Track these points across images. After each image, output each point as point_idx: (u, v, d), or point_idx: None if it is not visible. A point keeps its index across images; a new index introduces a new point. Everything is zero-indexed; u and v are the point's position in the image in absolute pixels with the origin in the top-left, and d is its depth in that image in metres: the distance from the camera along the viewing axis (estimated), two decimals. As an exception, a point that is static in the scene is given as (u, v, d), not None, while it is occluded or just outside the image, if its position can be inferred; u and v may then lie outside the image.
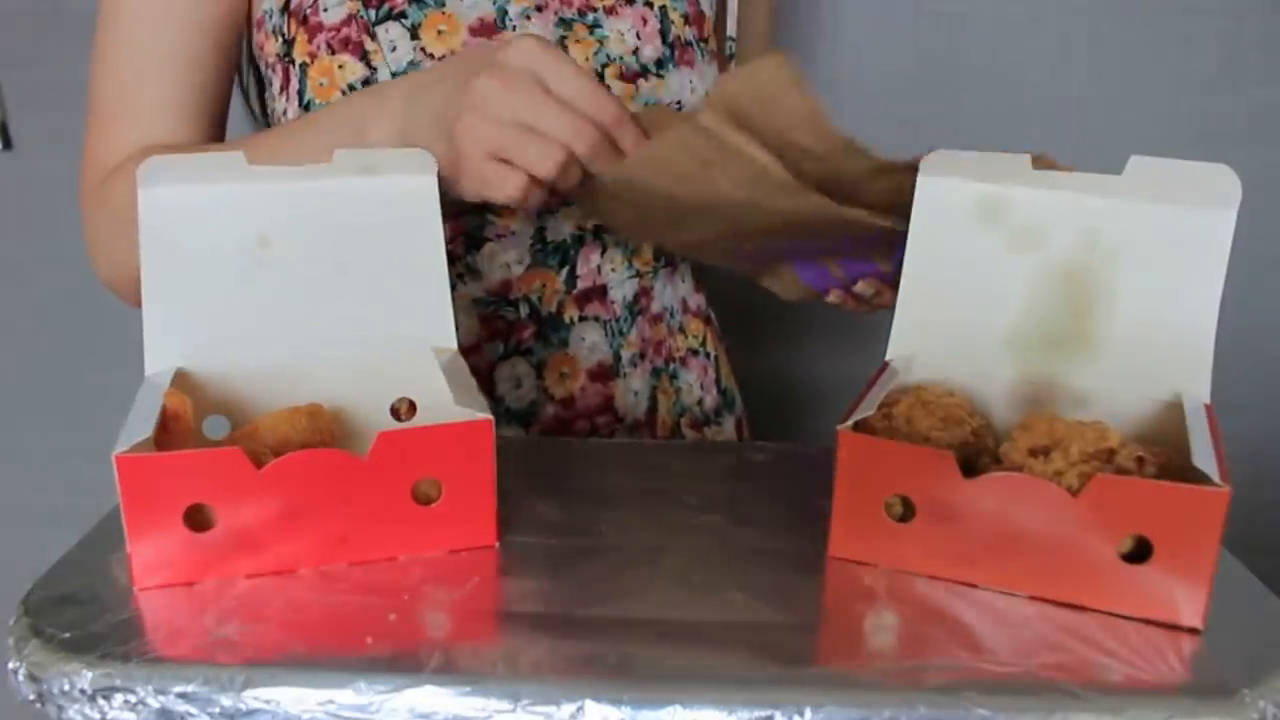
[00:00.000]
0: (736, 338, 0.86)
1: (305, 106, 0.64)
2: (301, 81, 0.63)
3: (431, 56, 0.62)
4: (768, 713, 0.36)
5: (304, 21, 0.63)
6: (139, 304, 0.50)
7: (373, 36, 0.62)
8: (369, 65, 0.62)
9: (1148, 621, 0.41)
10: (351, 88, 0.62)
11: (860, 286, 0.64)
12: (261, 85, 0.70)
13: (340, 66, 0.62)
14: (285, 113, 0.65)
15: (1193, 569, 0.40)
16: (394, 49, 0.62)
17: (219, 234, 0.49)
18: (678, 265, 0.75)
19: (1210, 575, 0.40)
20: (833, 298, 0.67)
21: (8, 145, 1.07)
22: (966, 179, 0.51)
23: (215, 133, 0.68)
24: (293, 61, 0.64)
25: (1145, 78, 1.02)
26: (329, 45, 0.62)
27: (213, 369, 0.49)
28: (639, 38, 0.67)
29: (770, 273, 0.68)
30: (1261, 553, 0.54)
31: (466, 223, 0.65)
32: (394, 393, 0.52)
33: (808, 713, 0.36)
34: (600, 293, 0.69)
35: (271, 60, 0.66)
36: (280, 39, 0.64)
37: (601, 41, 0.66)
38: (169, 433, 0.44)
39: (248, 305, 0.50)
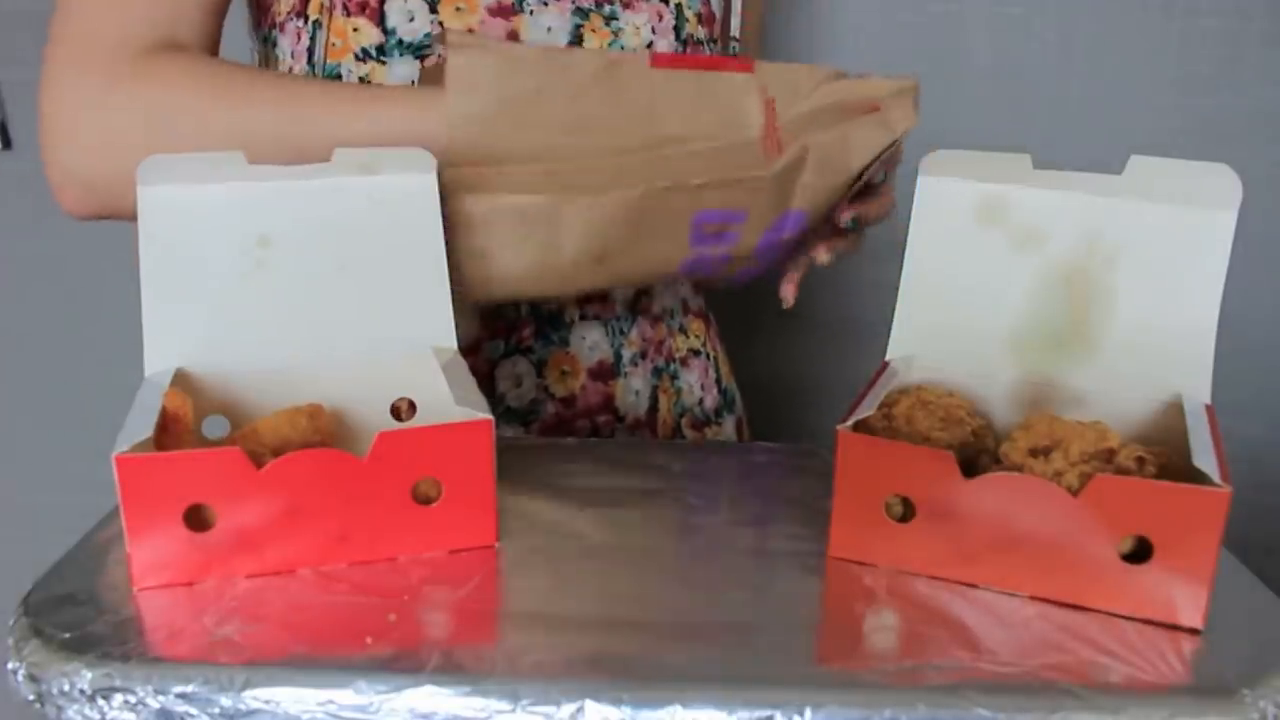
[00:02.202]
0: (736, 338, 0.86)
1: (313, 65, 0.64)
2: (313, 39, 0.63)
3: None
4: (768, 713, 0.36)
5: None
6: (109, 206, 0.49)
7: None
8: (385, 31, 0.62)
9: (1148, 621, 0.41)
10: (365, 51, 0.62)
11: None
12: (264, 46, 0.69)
13: (355, 30, 0.62)
14: (291, 71, 0.65)
15: (1193, 569, 0.40)
16: (411, 19, 0.62)
17: (219, 234, 0.49)
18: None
19: (1211, 575, 0.40)
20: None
21: (8, 145, 1.07)
22: (966, 179, 0.51)
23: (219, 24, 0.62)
24: (306, 19, 0.64)
25: (1145, 78, 1.02)
26: (345, 7, 0.62)
27: (213, 369, 0.49)
28: (653, 32, 0.67)
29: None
30: (1261, 553, 0.54)
31: None
32: (394, 393, 0.52)
33: (808, 713, 0.36)
34: (600, 292, 0.69)
35: (282, 19, 0.65)
36: None
37: (616, 34, 0.66)
38: (169, 433, 0.44)
39: (248, 305, 0.50)
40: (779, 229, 0.58)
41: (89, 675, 0.37)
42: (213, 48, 0.61)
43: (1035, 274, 0.50)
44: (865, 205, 0.62)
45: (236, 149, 0.49)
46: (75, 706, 0.37)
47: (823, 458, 0.47)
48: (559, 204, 0.53)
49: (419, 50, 0.62)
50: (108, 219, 0.58)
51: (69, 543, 0.46)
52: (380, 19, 0.62)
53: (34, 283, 1.13)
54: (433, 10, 0.62)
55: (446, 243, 0.52)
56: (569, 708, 0.36)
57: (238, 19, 0.67)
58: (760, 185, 0.55)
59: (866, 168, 0.57)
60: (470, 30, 0.62)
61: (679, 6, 0.69)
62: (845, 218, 0.61)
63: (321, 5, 0.63)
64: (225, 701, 0.36)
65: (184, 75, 0.56)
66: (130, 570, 0.42)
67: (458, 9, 0.62)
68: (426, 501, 0.45)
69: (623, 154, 0.54)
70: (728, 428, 0.78)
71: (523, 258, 0.54)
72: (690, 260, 0.58)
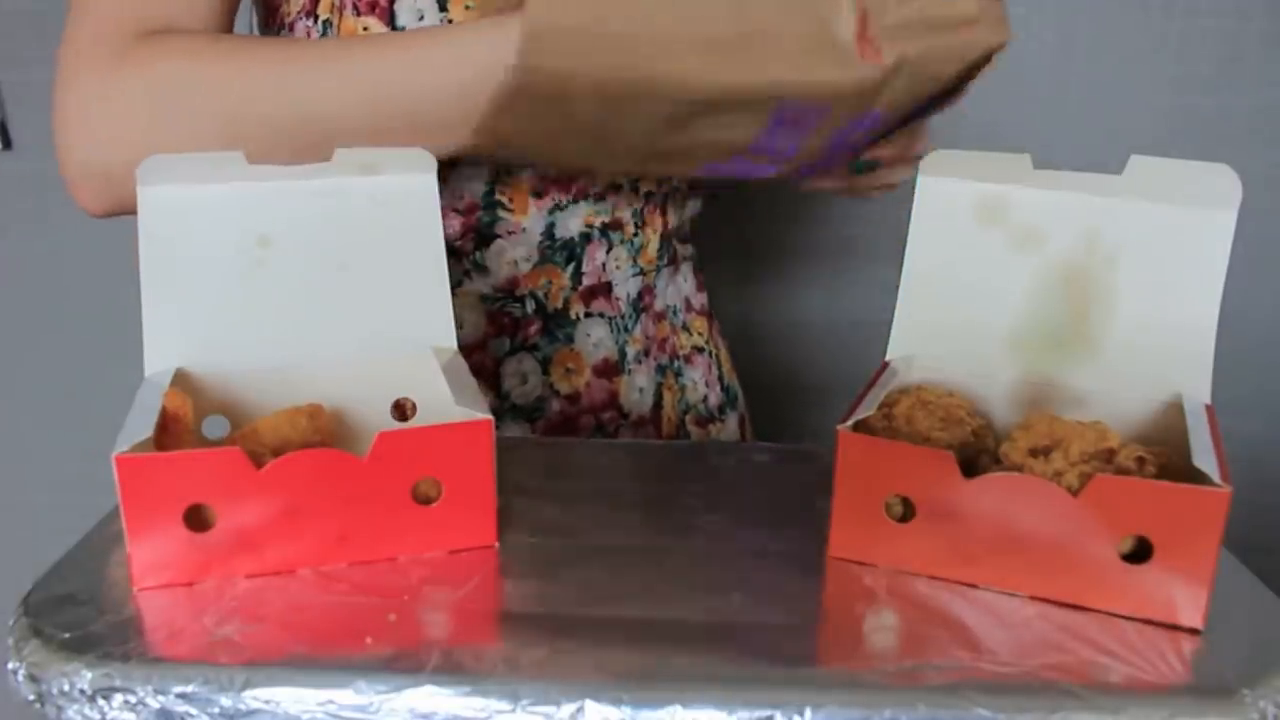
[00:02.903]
0: (737, 336, 0.86)
1: None
2: (323, 38, 0.63)
3: None
4: (768, 713, 0.36)
5: None
6: (126, 199, 0.48)
7: None
8: (394, 30, 0.62)
9: (1148, 621, 0.41)
10: None
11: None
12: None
13: (365, 29, 0.62)
14: None
15: (1193, 569, 0.40)
16: (421, 18, 0.62)
17: (219, 234, 0.49)
18: (679, 265, 0.75)
19: (1211, 575, 0.40)
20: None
21: (8, 145, 1.07)
22: (966, 179, 0.51)
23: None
24: (316, 18, 0.64)
25: (1145, 77, 1.02)
26: (355, 6, 0.62)
27: (213, 369, 0.49)
28: None
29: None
30: (1261, 553, 0.54)
31: (479, 219, 0.65)
32: (394, 393, 0.52)
33: (808, 713, 0.36)
34: (605, 289, 0.69)
35: (291, 19, 0.65)
36: None
37: None
38: (169, 433, 0.44)
39: (248, 305, 0.50)
40: (856, 126, 0.59)
41: (89, 675, 0.37)
42: None
43: (1035, 274, 0.50)
44: (888, 147, 0.62)
45: (252, 117, 0.48)
46: (75, 706, 0.37)
47: (823, 458, 0.47)
48: (645, 74, 0.52)
49: None
50: (125, 214, 0.56)
51: (69, 543, 0.46)
52: (390, 18, 0.62)
53: (34, 283, 1.13)
54: (442, 9, 0.62)
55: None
56: (569, 708, 0.36)
57: (242, 24, 0.67)
58: (848, 90, 0.55)
59: (955, 77, 0.57)
60: None
61: None
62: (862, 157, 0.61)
63: (332, 4, 0.63)
64: (225, 701, 0.36)
65: (187, 50, 0.55)
66: (130, 570, 0.42)
67: (467, 7, 0.62)
68: (426, 501, 0.45)
69: (710, 41, 0.53)
70: (731, 424, 0.78)
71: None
72: (763, 134, 0.58)
